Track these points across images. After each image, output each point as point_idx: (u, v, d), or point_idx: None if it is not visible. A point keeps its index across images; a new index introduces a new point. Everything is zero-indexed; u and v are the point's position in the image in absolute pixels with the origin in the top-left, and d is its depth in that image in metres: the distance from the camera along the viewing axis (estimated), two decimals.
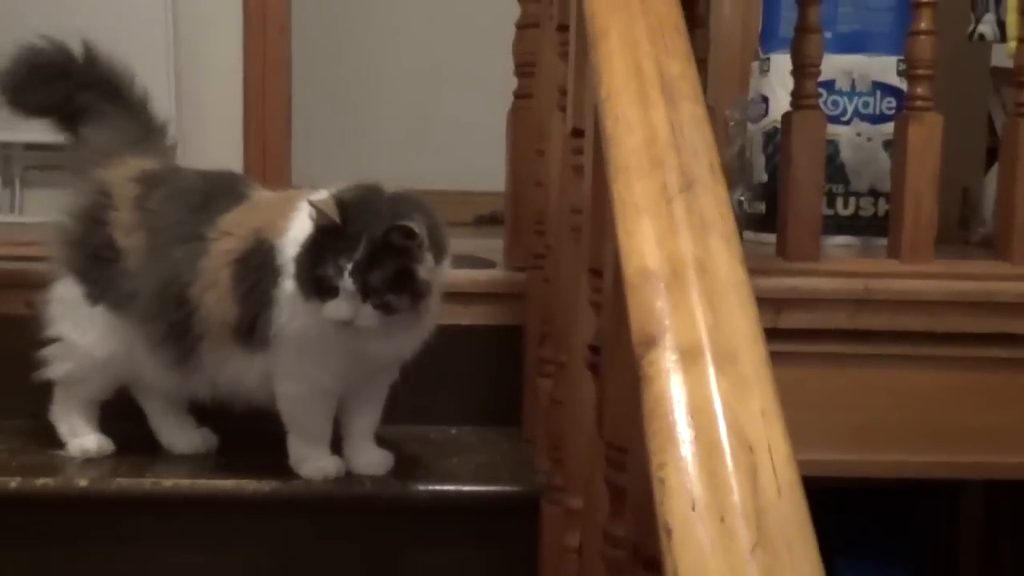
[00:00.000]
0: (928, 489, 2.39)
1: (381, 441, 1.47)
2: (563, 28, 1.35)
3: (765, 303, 0.82)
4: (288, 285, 1.32)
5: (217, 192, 1.43)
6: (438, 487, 1.45)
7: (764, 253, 1.58)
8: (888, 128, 1.73)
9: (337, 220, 1.26)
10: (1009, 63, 1.83)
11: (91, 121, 1.52)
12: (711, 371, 0.74)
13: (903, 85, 1.69)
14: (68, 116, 1.54)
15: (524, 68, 1.75)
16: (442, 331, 1.41)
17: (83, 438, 1.51)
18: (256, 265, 1.35)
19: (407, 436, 1.58)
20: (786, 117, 1.55)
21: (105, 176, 1.48)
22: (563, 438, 1.28)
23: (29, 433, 1.55)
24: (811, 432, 1.36)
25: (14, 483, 1.40)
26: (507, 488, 1.46)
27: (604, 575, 0.98)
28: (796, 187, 1.52)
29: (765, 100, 1.90)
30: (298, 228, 1.33)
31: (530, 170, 1.66)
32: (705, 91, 1.04)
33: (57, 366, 1.49)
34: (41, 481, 1.41)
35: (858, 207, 1.87)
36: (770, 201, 1.83)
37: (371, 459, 1.45)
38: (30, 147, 2.79)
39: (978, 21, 1.94)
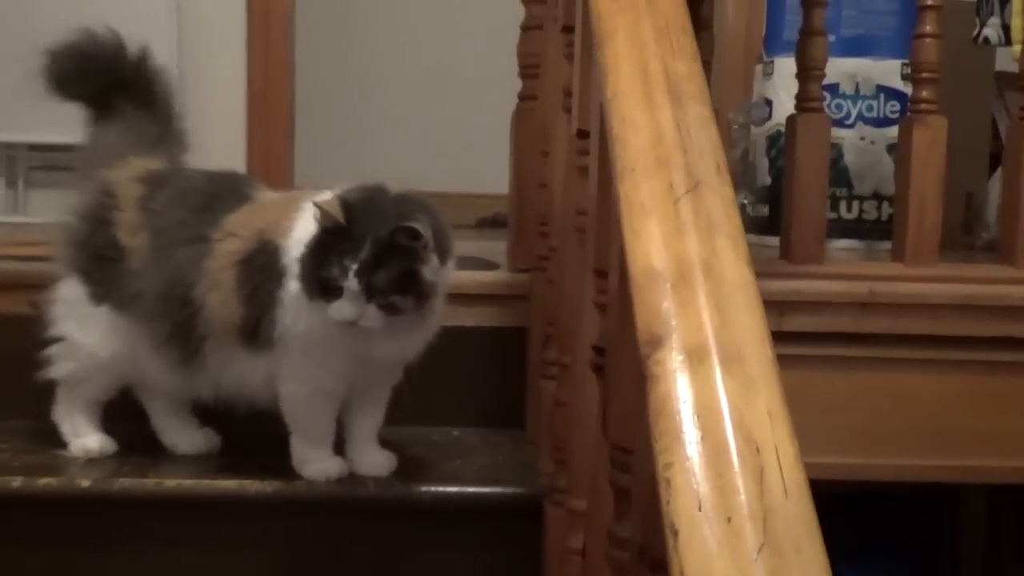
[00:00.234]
0: (931, 493, 2.39)
1: (384, 442, 1.47)
2: (568, 29, 1.35)
3: (769, 306, 0.81)
4: (292, 286, 1.32)
5: (221, 193, 1.43)
6: (441, 489, 1.45)
7: (767, 256, 1.58)
8: (892, 132, 1.73)
9: (342, 221, 1.26)
10: (1014, 67, 1.83)
11: (109, 119, 1.53)
12: (718, 371, 0.74)
13: (907, 89, 1.69)
14: (96, 108, 1.54)
15: (528, 70, 1.75)
16: (446, 332, 1.41)
17: (86, 438, 1.51)
18: (260, 266, 1.35)
19: (410, 438, 1.58)
20: (791, 120, 1.54)
21: (109, 176, 1.48)
22: (567, 440, 1.28)
23: (32, 433, 1.55)
24: (815, 435, 1.35)
25: (16, 483, 1.40)
26: (510, 490, 1.45)
27: None
28: (800, 190, 1.52)
29: (768, 103, 1.90)
30: (302, 229, 1.32)
31: (534, 171, 1.66)
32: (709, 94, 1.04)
33: (60, 366, 1.49)
34: (43, 481, 1.41)
35: (862, 211, 1.86)
36: (773, 204, 1.83)
37: (374, 460, 1.45)
38: (34, 148, 2.80)
39: (983, 25, 1.94)
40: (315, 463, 1.42)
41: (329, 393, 1.40)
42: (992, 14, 1.93)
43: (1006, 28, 1.92)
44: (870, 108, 1.86)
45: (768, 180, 1.89)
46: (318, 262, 1.28)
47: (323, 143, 3.38)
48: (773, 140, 1.87)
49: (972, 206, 1.98)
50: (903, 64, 1.81)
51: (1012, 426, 1.49)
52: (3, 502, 1.41)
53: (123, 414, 1.53)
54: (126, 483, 1.42)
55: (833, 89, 1.81)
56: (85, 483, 1.41)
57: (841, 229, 1.84)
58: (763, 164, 1.91)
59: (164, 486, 1.42)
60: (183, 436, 1.54)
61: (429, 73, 3.78)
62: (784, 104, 1.76)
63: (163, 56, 2.71)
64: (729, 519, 0.66)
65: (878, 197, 1.86)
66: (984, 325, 1.46)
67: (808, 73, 1.53)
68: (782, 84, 1.83)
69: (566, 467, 1.29)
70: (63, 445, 1.51)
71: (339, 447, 1.44)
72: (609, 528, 0.98)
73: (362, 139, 3.72)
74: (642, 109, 0.91)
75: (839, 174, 1.83)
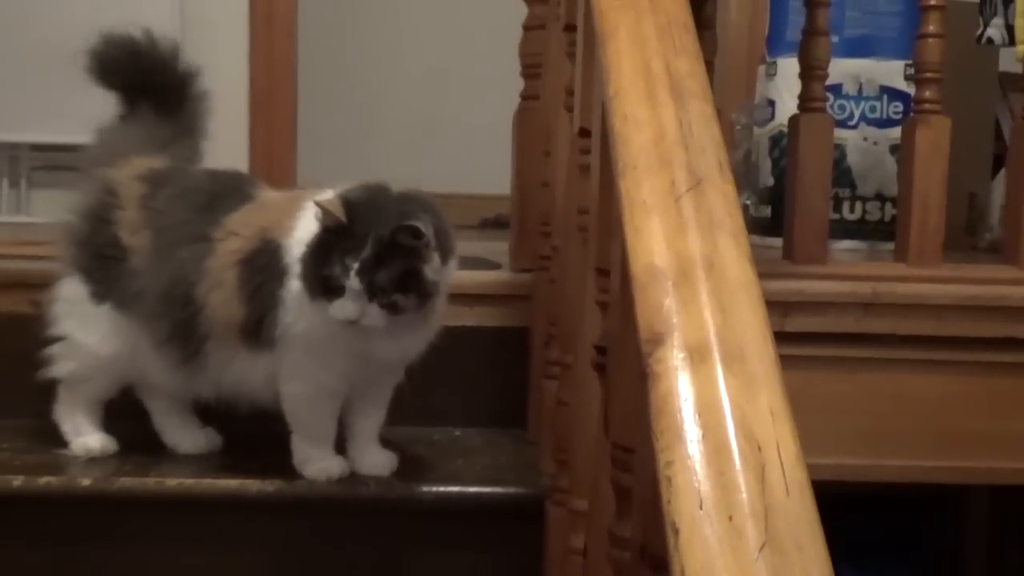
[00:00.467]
0: (935, 496, 2.38)
1: (386, 442, 1.47)
2: (570, 28, 1.35)
3: (772, 306, 0.81)
4: (294, 285, 1.32)
5: (223, 192, 1.43)
6: (442, 488, 1.45)
7: (770, 257, 1.58)
8: (895, 132, 1.73)
9: (344, 220, 1.26)
10: (1017, 68, 1.83)
11: (127, 117, 1.53)
12: (719, 369, 0.74)
13: (910, 89, 1.68)
14: (121, 104, 1.55)
15: (530, 70, 1.75)
16: (447, 332, 1.41)
17: (87, 437, 1.50)
18: (262, 265, 1.35)
19: (412, 437, 1.57)
20: (793, 120, 1.54)
21: (111, 175, 1.48)
22: (568, 439, 1.28)
23: (33, 432, 1.55)
24: (817, 436, 1.35)
25: (17, 482, 1.40)
26: (512, 490, 1.45)
27: None
28: (803, 190, 1.51)
29: (771, 104, 1.90)
30: (304, 228, 1.32)
31: (536, 171, 1.66)
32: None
33: (61, 365, 1.49)
34: (44, 480, 1.41)
35: (864, 211, 1.86)
36: (776, 205, 1.82)
37: (375, 460, 1.45)
38: (37, 148, 2.80)
39: (986, 25, 1.94)
40: (316, 463, 1.41)
41: (331, 392, 1.40)
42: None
43: (1009, 28, 1.92)
44: (873, 109, 1.85)
45: (771, 181, 1.89)
46: (320, 261, 1.27)
47: (325, 143, 3.38)
48: (776, 141, 1.87)
49: (975, 207, 1.98)
50: (906, 65, 1.81)
51: (1015, 427, 1.48)
52: (4, 501, 1.41)
53: (124, 413, 1.53)
54: (127, 482, 1.42)
55: (836, 90, 1.81)
56: (86, 482, 1.41)
57: (844, 230, 1.84)
58: (766, 165, 1.91)
59: (165, 485, 1.41)
60: (184, 435, 1.53)
61: (431, 73, 3.77)
62: (787, 105, 1.76)
63: None
64: (730, 517, 0.66)
65: (881, 198, 1.86)
66: (987, 326, 1.45)
67: (811, 73, 1.53)
68: (785, 84, 1.83)
69: (568, 467, 1.29)
70: (64, 444, 1.51)
71: (340, 447, 1.44)
72: (610, 528, 0.98)
73: (364, 139, 3.72)
74: (644, 107, 0.91)
75: (842, 175, 1.82)
